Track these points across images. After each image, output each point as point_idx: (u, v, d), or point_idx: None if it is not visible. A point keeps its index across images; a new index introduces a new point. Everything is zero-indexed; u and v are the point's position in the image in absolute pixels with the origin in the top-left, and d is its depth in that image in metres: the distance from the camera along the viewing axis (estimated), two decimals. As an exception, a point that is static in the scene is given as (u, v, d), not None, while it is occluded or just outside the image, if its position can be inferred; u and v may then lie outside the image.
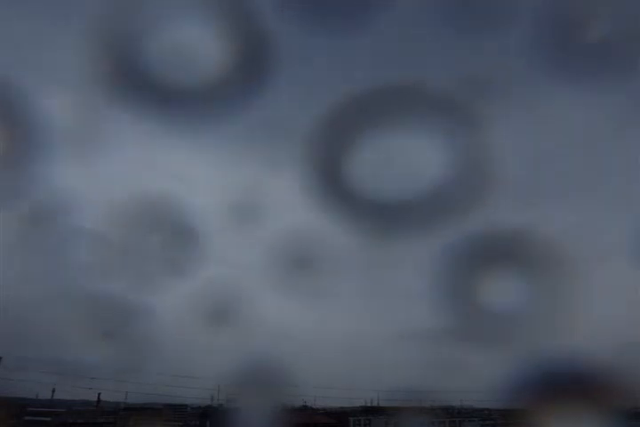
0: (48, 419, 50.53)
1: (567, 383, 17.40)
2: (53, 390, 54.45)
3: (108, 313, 36.61)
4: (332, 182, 26.11)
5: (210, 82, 26.22)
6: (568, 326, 23.19)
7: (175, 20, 29.28)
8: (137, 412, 59.59)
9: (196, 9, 28.46)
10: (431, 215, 25.61)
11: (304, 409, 62.70)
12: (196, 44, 31.63)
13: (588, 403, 16.61)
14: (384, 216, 26.92)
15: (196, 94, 26.41)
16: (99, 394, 55.28)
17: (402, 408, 50.29)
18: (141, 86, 25.44)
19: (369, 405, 66.38)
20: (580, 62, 27.86)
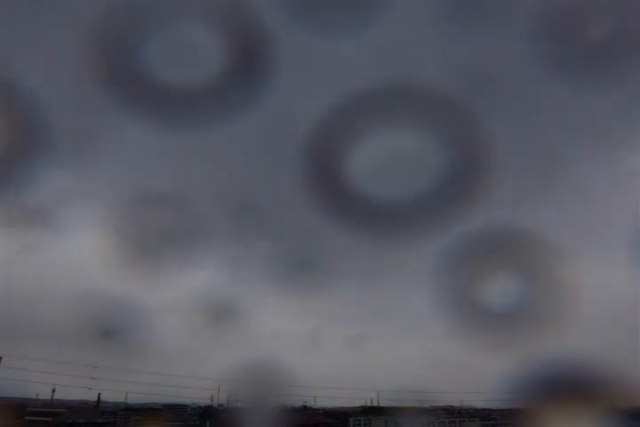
0: (48, 419, 50.47)
1: (567, 383, 17.39)
2: (53, 390, 54.47)
3: (109, 313, 36.60)
4: (331, 182, 26.09)
5: (210, 82, 26.22)
6: (568, 327, 23.17)
7: (176, 20, 29.28)
8: (137, 412, 59.59)
9: (196, 9, 28.46)
10: (430, 215, 25.59)
11: (304, 409, 62.65)
12: (196, 45, 31.63)
13: (588, 403, 16.60)
14: (383, 217, 26.90)
15: (195, 95, 26.40)
16: (99, 394, 55.26)
17: (402, 408, 50.28)
18: (140, 86, 25.44)
19: (369, 405, 66.34)
20: (580, 62, 27.86)
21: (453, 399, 67.56)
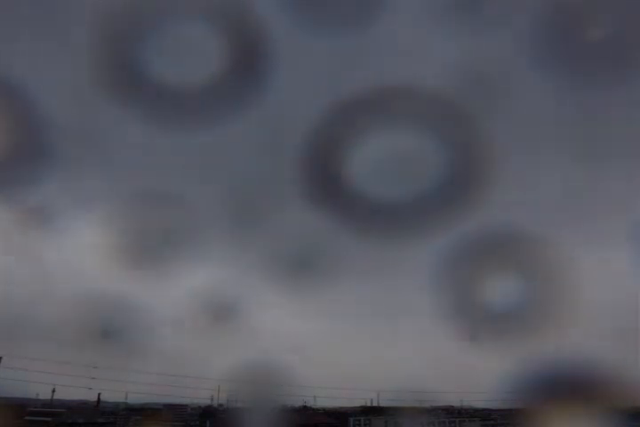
0: (48, 419, 50.50)
1: (567, 383, 17.39)
2: (53, 390, 54.51)
3: (109, 313, 36.61)
4: (330, 182, 26.10)
5: (209, 82, 26.22)
6: (568, 326, 23.17)
7: (175, 20, 29.29)
8: (137, 412, 59.63)
9: (196, 9, 28.47)
10: (429, 215, 25.60)
11: (304, 409, 62.70)
12: (195, 46, 31.64)
13: (588, 403, 16.60)
14: (383, 217, 26.91)
15: (195, 94, 26.41)
16: (99, 394, 55.25)
17: (402, 408, 50.29)
18: (140, 86, 25.44)
19: (369, 405, 66.36)
20: (581, 61, 27.87)
21: (453, 399, 67.64)
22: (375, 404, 64.92)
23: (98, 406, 57.91)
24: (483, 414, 63.83)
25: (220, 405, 63.45)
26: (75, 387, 51.45)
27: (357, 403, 67.54)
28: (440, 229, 26.02)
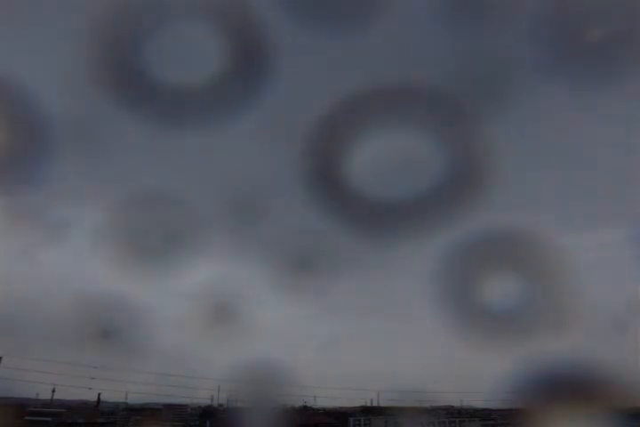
0: (48, 419, 50.50)
1: (567, 384, 17.39)
2: (53, 390, 54.55)
3: (109, 313, 36.61)
4: (331, 182, 26.10)
5: (210, 82, 26.22)
6: (568, 326, 23.17)
7: (176, 20, 29.30)
8: (137, 412, 59.64)
9: (196, 10, 28.47)
10: (429, 215, 25.59)
11: (304, 409, 62.70)
12: (195, 46, 31.65)
13: (588, 403, 16.59)
14: (383, 216, 26.91)
15: (194, 94, 26.41)
16: (99, 394, 55.23)
17: (402, 408, 50.29)
18: (140, 86, 25.44)
19: (369, 405, 66.39)
20: (581, 62, 27.87)
21: (453, 399, 67.72)
22: (375, 404, 64.99)
23: (98, 406, 57.87)
24: (483, 414, 63.80)
25: (220, 405, 63.54)
26: (75, 387, 51.51)
27: (357, 403, 67.67)
28: (440, 229, 26.03)
